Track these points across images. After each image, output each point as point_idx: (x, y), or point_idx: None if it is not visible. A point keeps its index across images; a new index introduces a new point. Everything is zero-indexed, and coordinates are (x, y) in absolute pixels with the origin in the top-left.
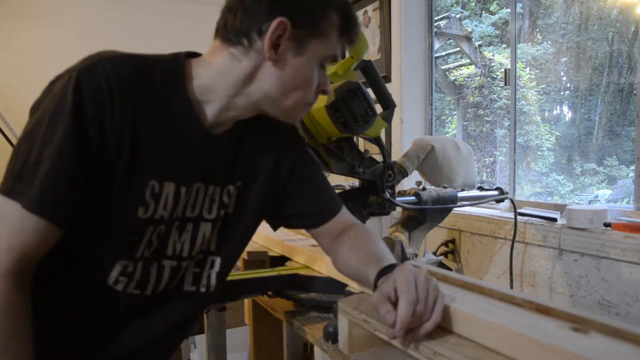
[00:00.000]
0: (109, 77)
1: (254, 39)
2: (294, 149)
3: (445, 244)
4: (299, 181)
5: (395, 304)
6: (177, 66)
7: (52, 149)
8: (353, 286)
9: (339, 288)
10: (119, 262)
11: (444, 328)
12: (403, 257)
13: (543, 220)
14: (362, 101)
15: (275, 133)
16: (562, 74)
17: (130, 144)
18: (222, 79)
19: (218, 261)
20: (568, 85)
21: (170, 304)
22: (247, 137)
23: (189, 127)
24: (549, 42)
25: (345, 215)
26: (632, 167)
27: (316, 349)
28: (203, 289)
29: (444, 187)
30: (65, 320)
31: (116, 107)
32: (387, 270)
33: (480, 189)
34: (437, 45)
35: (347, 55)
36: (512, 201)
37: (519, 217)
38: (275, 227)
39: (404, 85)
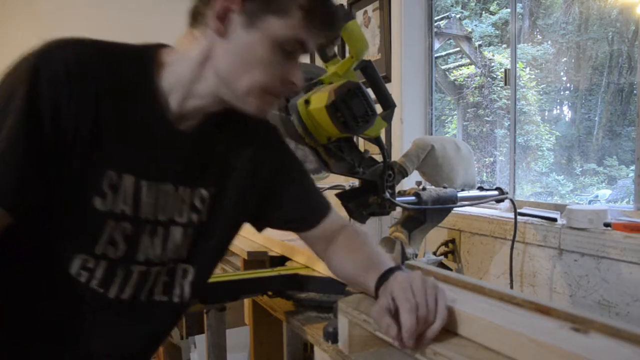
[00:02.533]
0: (68, 61)
1: (208, 16)
2: (275, 149)
3: (445, 244)
4: (285, 183)
5: (396, 314)
6: (146, 55)
7: (4, 134)
8: None
9: (339, 288)
10: (79, 255)
11: (444, 328)
12: (403, 257)
13: (543, 220)
14: (362, 101)
15: (253, 132)
16: (562, 74)
17: (90, 130)
18: (183, 62)
19: (191, 270)
20: (568, 85)
21: (142, 314)
22: (222, 136)
23: (154, 119)
24: (549, 42)
25: (334, 217)
26: (632, 167)
27: (316, 349)
28: (176, 299)
29: (444, 187)
30: (27, 312)
31: (74, 91)
32: (386, 276)
33: (480, 189)
34: (437, 45)
35: (347, 55)
36: (512, 201)
37: (519, 217)
38: (259, 230)
39: (404, 85)
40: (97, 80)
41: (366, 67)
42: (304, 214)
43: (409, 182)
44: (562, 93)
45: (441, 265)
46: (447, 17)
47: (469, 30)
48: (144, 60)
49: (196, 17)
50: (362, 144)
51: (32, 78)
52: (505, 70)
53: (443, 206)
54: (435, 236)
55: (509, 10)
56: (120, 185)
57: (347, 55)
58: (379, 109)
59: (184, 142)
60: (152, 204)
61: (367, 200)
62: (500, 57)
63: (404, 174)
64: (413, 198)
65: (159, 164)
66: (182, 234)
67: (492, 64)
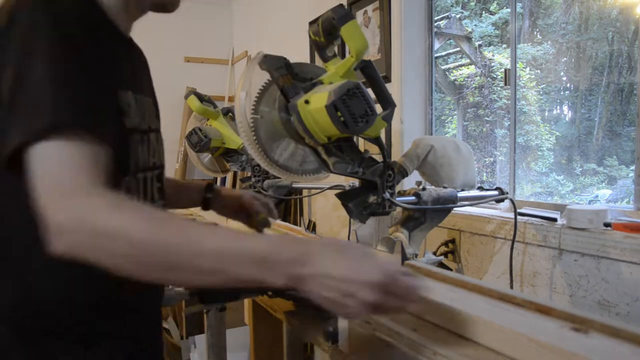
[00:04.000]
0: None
1: None
2: None
3: (445, 244)
4: None
5: None
6: None
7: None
8: None
9: None
10: (123, 180)
11: (444, 328)
12: (403, 257)
13: (543, 220)
14: (362, 101)
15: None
16: (562, 74)
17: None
18: None
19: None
20: (568, 85)
21: None
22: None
23: (114, 34)
24: (549, 42)
25: None
26: (632, 167)
27: (316, 349)
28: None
29: (444, 187)
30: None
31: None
32: None
33: (480, 189)
34: (437, 45)
35: (347, 55)
36: (512, 201)
37: (519, 217)
38: None
39: (404, 85)
40: (84, 17)
41: (366, 67)
42: None
43: (409, 182)
44: (562, 93)
45: (441, 265)
46: (447, 17)
47: (469, 30)
48: None
49: None
50: (362, 144)
51: (62, 20)
52: (505, 70)
53: (443, 206)
54: (435, 236)
55: (509, 10)
56: (129, 101)
57: (347, 55)
58: (379, 109)
59: (132, 50)
60: (140, 114)
61: (367, 200)
62: (500, 57)
63: (404, 174)
64: (413, 198)
65: (134, 76)
66: (155, 139)
67: (492, 64)
